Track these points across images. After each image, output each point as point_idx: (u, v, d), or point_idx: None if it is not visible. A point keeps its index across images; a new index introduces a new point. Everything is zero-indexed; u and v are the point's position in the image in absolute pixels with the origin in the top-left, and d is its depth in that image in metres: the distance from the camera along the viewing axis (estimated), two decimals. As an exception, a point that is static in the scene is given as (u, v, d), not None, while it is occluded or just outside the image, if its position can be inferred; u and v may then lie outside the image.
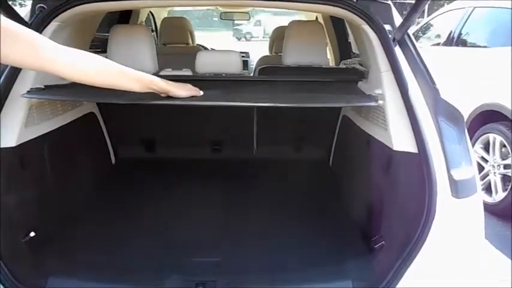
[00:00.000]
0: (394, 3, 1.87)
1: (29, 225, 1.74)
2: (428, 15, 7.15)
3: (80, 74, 1.33)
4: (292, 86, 2.18)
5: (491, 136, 3.66)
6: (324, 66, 2.53)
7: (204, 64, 2.42)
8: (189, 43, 4.47)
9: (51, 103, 2.01)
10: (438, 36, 5.04)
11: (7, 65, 1.64)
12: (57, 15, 1.78)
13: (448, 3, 5.64)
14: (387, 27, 1.73)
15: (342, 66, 3.16)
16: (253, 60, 4.76)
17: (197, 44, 4.83)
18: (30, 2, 1.80)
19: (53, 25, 1.79)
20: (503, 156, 3.59)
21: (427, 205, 1.46)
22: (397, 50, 1.70)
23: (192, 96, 1.66)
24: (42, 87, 1.84)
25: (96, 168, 2.56)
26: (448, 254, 1.48)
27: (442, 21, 5.11)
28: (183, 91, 1.64)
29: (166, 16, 5.38)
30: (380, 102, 1.77)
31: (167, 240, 1.92)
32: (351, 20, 1.90)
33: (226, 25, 23.64)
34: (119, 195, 2.39)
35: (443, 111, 1.59)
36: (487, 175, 3.70)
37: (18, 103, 1.73)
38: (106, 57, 1.65)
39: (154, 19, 5.13)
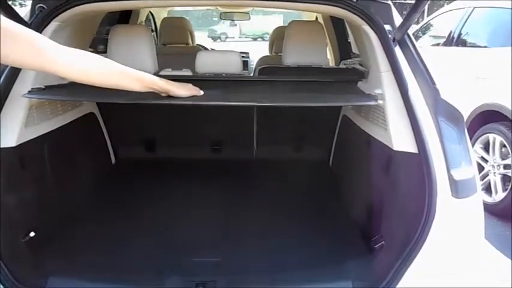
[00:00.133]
0: (394, 3, 1.87)
1: (29, 225, 1.74)
2: (428, 15, 7.14)
3: (80, 73, 1.33)
4: (292, 86, 2.18)
5: (491, 136, 3.66)
6: (324, 67, 2.53)
7: (204, 64, 2.42)
8: (189, 43, 4.47)
9: (51, 103, 2.01)
10: (436, 36, 5.04)
11: (7, 65, 1.64)
12: (57, 15, 1.78)
13: (448, 3, 5.64)
14: (387, 27, 1.73)
15: (342, 66, 3.16)
16: (253, 60, 4.77)
17: (197, 44, 4.83)
18: (30, 2, 1.80)
19: (53, 25, 1.79)
20: (503, 156, 3.59)
21: (427, 205, 1.46)
22: (397, 50, 1.70)
23: (193, 96, 1.66)
24: (43, 87, 1.84)
25: (96, 168, 2.56)
26: (448, 254, 1.49)
27: (442, 21, 5.11)
28: (183, 91, 1.64)
29: (166, 16, 5.39)
30: (380, 102, 1.77)
31: (167, 240, 1.92)
32: (351, 20, 1.90)
33: (201, 25, 23.54)
34: (119, 195, 2.39)
35: (443, 111, 1.59)
36: (487, 175, 3.70)
37: (18, 103, 1.73)
38: (106, 57, 1.65)
39: (154, 19, 5.13)
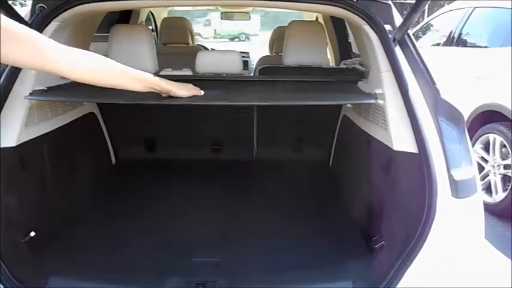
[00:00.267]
0: (394, 3, 1.87)
1: (29, 225, 1.74)
2: (428, 15, 7.15)
3: (81, 73, 1.33)
4: (293, 86, 2.18)
5: (491, 136, 3.66)
6: (324, 66, 2.53)
7: (204, 64, 2.42)
8: (189, 43, 4.47)
9: (52, 103, 2.01)
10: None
11: (7, 65, 1.64)
12: (57, 15, 1.78)
13: (448, 4, 5.64)
14: (387, 27, 1.73)
15: (342, 66, 3.16)
16: (254, 60, 4.77)
17: (197, 44, 4.83)
18: (31, 2, 1.80)
19: (53, 25, 1.79)
20: (503, 157, 3.59)
21: (427, 205, 1.46)
22: (397, 50, 1.70)
23: (193, 96, 1.66)
24: (45, 88, 1.84)
25: (96, 168, 2.56)
26: (448, 254, 1.49)
27: (442, 22, 5.11)
28: (184, 91, 1.64)
29: (166, 16, 5.39)
30: (380, 101, 1.77)
31: (167, 240, 1.92)
32: (351, 20, 1.90)
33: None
34: (119, 195, 2.39)
35: (444, 111, 1.59)
36: (487, 175, 3.70)
37: (18, 103, 1.73)
38: (106, 56, 1.65)
39: (154, 19, 5.13)
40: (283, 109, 2.61)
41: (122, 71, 1.44)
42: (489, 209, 3.32)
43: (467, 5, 4.60)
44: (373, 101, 1.77)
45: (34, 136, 1.84)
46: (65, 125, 2.12)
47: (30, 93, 1.75)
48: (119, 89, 1.46)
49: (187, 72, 2.53)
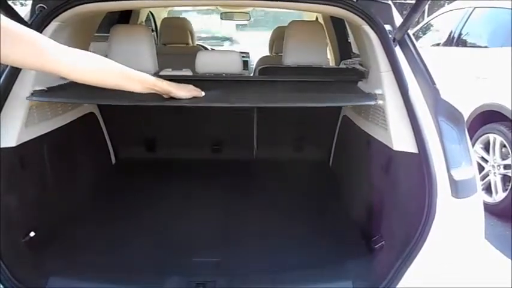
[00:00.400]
0: (394, 3, 1.87)
1: (29, 225, 1.74)
2: (428, 15, 7.15)
3: (81, 74, 1.33)
4: (293, 86, 2.18)
5: (491, 136, 3.66)
6: (324, 67, 2.53)
7: (204, 64, 2.42)
8: (189, 43, 4.47)
9: (52, 103, 2.01)
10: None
11: (7, 65, 1.64)
12: (57, 15, 1.77)
13: (448, 4, 5.64)
14: (387, 27, 1.73)
15: (342, 66, 3.16)
16: (254, 60, 4.77)
17: (197, 44, 4.83)
18: (31, 2, 1.80)
19: (53, 25, 1.79)
20: (504, 157, 3.59)
21: (427, 205, 1.46)
22: (397, 50, 1.70)
23: (194, 98, 1.66)
24: (45, 89, 1.84)
25: (96, 168, 2.56)
26: (448, 254, 1.48)
27: (442, 22, 5.11)
28: (184, 92, 1.64)
29: (166, 16, 5.39)
30: (380, 102, 1.77)
31: (167, 240, 1.92)
32: (351, 20, 1.90)
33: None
34: (119, 195, 2.39)
35: (444, 111, 1.59)
36: (487, 175, 3.70)
37: (18, 103, 1.73)
38: (106, 57, 1.65)
39: (154, 19, 5.13)
40: (283, 109, 2.61)
41: (122, 71, 1.44)
42: (489, 209, 3.32)
43: (467, 5, 4.60)
44: (372, 103, 1.77)
45: (34, 136, 1.84)
46: (64, 125, 2.12)
47: (32, 94, 1.75)
48: (119, 90, 1.45)
49: (187, 72, 2.53)
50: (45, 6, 1.76)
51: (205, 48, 4.86)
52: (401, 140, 1.66)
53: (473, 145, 3.67)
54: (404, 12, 2.48)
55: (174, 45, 4.32)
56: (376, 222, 1.80)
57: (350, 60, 3.27)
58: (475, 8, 4.45)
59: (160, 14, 5.24)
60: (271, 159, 2.82)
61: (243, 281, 1.61)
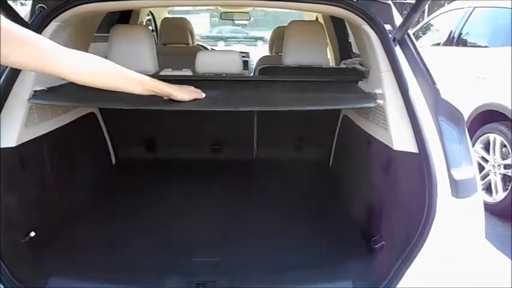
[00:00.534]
0: (394, 3, 1.87)
1: (29, 225, 1.74)
2: (428, 15, 7.14)
3: (82, 76, 1.33)
4: (293, 86, 2.18)
5: (491, 136, 3.66)
6: (324, 66, 2.53)
7: (204, 64, 2.42)
8: (189, 43, 4.47)
9: None
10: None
11: (7, 66, 1.64)
12: (57, 16, 1.77)
13: (448, 3, 5.64)
14: (387, 27, 1.73)
15: (342, 66, 3.16)
16: (254, 60, 4.77)
17: (197, 44, 4.83)
18: (31, 2, 1.79)
19: (53, 25, 1.79)
20: (504, 156, 3.59)
21: (427, 205, 1.46)
22: (398, 50, 1.70)
23: (194, 100, 1.66)
24: (45, 89, 1.84)
25: (97, 168, 2.56)
26: (448, 254, 1.48)
27: (442, 22, 5.11)
28: (185, 94, 1.63)
29: (166, 16, 5.39)
30: (380, 102, 1.77)
31: (167, 240, 1.92)
32: (351, 20, 1.90)
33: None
34: (119, 195, 2.39)
35: (444, 111, 1.59)
36: (487, 175, 3.70)
37: (18, 103, 1.73)
38: (106, 57, 1.65)
39: (154, 19, 5.13)
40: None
41: (122, 73, 1.43)
42: (489, 208, 3.32)
43: (467, 5, 4.60)
44: (372, 105, 1.77)
45: (34, 136, 1.84)
46: (65, 125, 2.12)
47: (33, 95, 1.76)
48: (119, 92, 1.45)
49: (187, 72, 2.52)
50: (45, 6, 1.76)
51: (206, 48, 4.86)
52: (401, 140, 1.66)
53: (473, 145, 3.67)
54: (404, 12, 2.48)
55: (174, 45, 4.32)
56: (376, 222, 1.80)
57: (350, 60, 3.27)
58: (475, 7, 4.45)
59: (161, 14, 5.24)
60: (271, 159, 2.82)
61: (243, 281, 1.61)
